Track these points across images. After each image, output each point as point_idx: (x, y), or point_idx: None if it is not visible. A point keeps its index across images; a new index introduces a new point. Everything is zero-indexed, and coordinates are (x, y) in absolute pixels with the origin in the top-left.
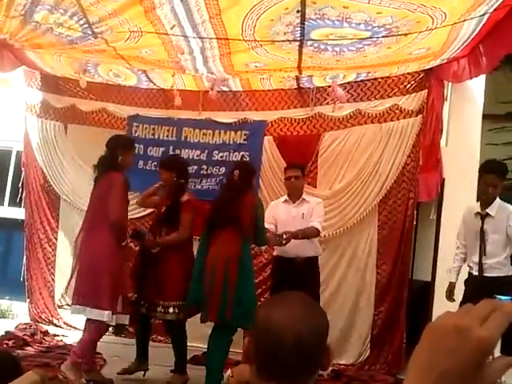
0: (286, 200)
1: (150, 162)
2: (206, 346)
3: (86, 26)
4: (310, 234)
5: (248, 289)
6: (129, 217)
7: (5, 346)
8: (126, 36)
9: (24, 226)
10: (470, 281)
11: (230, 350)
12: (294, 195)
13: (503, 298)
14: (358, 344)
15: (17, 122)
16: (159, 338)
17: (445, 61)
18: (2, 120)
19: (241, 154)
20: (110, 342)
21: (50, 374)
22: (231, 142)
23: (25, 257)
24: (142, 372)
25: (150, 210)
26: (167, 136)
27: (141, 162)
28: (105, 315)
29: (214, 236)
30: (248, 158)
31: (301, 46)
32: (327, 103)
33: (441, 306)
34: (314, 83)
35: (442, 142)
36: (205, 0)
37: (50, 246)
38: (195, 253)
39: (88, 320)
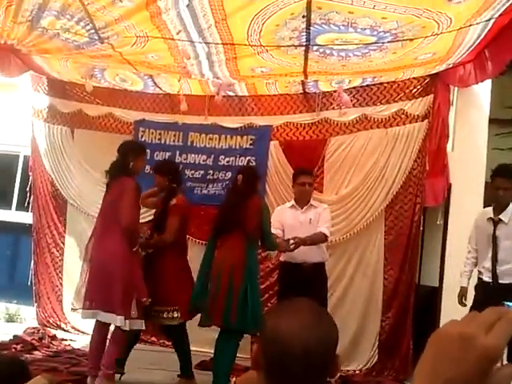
0: (293, 205)
1: None
2: (213, 352)
3: (93, 31)
4: (318, 239)
5: (253, 294)
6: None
7: (13, 350)
8: (132, 41)
9: (31, 230)
10: (481, 286)
11: (238, 355)
12: (303, 201)
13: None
14: (366, 350)
15: (24, 127)
16: (165, 343)
17: (450, 65)
18: (10, 125)
19: (247, 158)
20: None
21: (57, 379)
22: (237, 147)
23: (32, 261)
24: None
25: None
26: (173, 141)
27: (147, 167)
28: (117, 320)
29: (220, 241)
30: (254, 163)
31: (306, 51)
32: (333, 108)
33: (448, 312)
34: (320, 88)
35: (449, 146)
36: (211, 5)
37: (58, 251)
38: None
39: (100, 326)
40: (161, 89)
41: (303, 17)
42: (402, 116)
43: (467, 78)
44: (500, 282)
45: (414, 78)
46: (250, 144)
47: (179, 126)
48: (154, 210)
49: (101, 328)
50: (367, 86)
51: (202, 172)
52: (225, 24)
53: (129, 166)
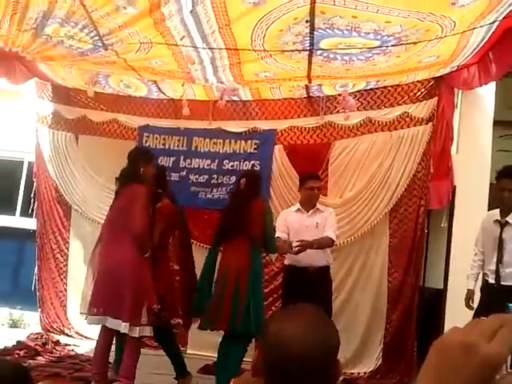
0: (298, 209)
1: None
2: (216, 356)
3: (97, 38)
4: (324, 244)
5: (257, 298)
6: None
7: (16, 355)
8: (136, 47)
9: (36, 236)
10: (486, 288)
11: (244, 359)
12: (309, 205)
13: None
14: (370, 353)
15: (28, 133)
16: None
17: (455, 68)
18: (14, 131)
19: (251, 163)
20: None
21: None
22: (241, 152)
23: (36, 267)
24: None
25: None
26: (178, 146)
27: None
28: (122, 326)
29: (224, 245)
30: (258, 167)
31: (310, 56)
32: (337, 112)
33: (453, 314)
34: (324, 92)
35: (453, 149)
36: (214, 11)
37: (62, 256)
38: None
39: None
40: (165, 94)
41: (307, 21)
42: (407, 119)
43: (471, 80)
44: (503, 283)
45: (418, 81)
46: (255, 148)
47: (183, 130)
48: None
49: (106, 334)
50: (371, 89)
51: (206, 176)
52: (228, 29)
53: (139, 173)
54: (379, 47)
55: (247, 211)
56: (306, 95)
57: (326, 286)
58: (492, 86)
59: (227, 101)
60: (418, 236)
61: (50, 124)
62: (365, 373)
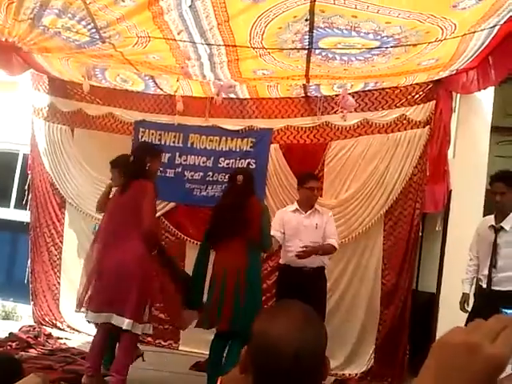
0: (296, 209)
1: None
2: (208, 353)
3: (94, 30)
4: (328, 250)
5: (257, 298)
6: None
7: (8, 347)
8: (133, 41)
9: (29, 228)
10: (479, 293)
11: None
12: (308, 205)
13: (509, 311)
14: (362, 355)
15: (24, 126)
16: (162, 343)
17: (454, 72)
18: (9, 123)
19: (247, 161)
20: None
21: (50, 377)
22: (237, 150)
23: (29, 259)
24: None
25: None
26: (173, 142)
27: None
28: (125, 323)
29: (219, 243)
30: (254, 166)
31: (309, 55)
32: (335, 112)
33: (446, 318)
34: (322, 92)
35: (450, 153)
36: (213, 6)
37: (56, 250)
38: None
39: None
40: (162, 90)
41: (306, 20)
42: (404, 122)
43: (470, 84)
44: (494, 288)
45: (416, 83)
46: (251, 147)
47: (180, 127)
48: None
49: (105, 330)
50: (369, 90)
51: (201, 174)
52: (227, 26)
53: (146, 169)
54: (378, 48)
55: (245, 209)
56: (303, 95)
57: (320, 287)
58: (490, 92)
59: (224, 98)
60: (412, 239)
61: (46, 116)
62: (356, 374)
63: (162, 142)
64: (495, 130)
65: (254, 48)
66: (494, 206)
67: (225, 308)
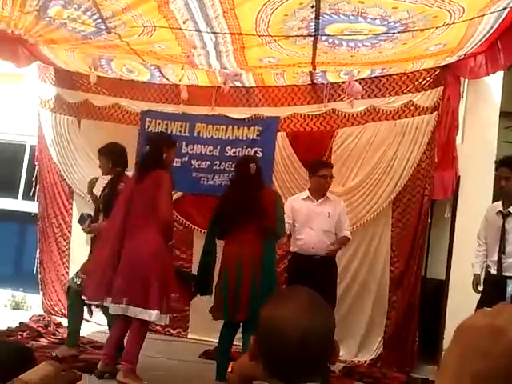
0: (308, 197)
1: None
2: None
3: (100, 20)
4: (346, 243)
5: (273, 285)
6: None
7: (19, 337)
8: (139, 31)
9: (37, 219)
10: (488, 279)
11: None
12: (320, 193)
13: None
14: (371, 341)
15: (31, 117)
16: (171, 332)
17: (461, 57)
18: (16, 115)
19: (254, 149)
20: None
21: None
22: (244, 138)
23: (38, 250)
24: None
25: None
26: (180, 131)
27: None
28: (153, 315)
29: (231, 233)
30: (261, 154)
31: (315, 42)
32: (341, 99)
33: (455, 305)
34: (328, 79)
35: (458, 139)
36: None
37: (65, 240)
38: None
39: (134, 320)
40: (168, 79)
41: (312, 7)
42: (411, 108)
43: (478, 69)
44: (505, 274)
45: (423, 69)
46: (257, 135)
47: (186, 116)
48: None
49: (126, 323)
50: (376, 77)
51: (208, 163)
52: (233, 14)
53: (163, 159)
54: (385, 33)
55: (260, 198)
56: (309, 82)
57: (330, 275)
58: (499, 76)
59: (230, 87)
60: (420, 226)
61: (53, 108)
62: (365, 361)
63: (169, 132)
64: (504, 115)
65: (259, 36)
66: (499, 191)
67: (242, 299)
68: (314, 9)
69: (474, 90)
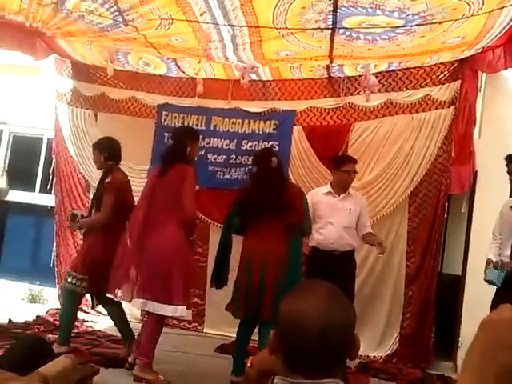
0: (329, 191)
1: None
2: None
3: (117, 13)
4: None
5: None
6: None
7: (36, 330)
8: (156, 24)
9: (54, 212)
10: None
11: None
12: (342, 188)
13: None
14: (387, 337)
15: (48, 110)
16: (187, 326)
17: (479, 50)
18: (33, 108)
19: (270, 143)
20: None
21: (80, 359)
22: (260, 132)
23: (55, 243)
24: None
25: None
26: (196, 125)
27: None
28: (178, 310)
29: (253, 229)
30: (277, 148)
31: (332, 35)
32: (358, 93)
33: (471, 300)
34: (345, 72)
35: (475, 133)
36: None
37: (81, 233)
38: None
39: (151, 314)
40: (184, 73)
41: None
42: (428, 102)
43: (496, 63)
44: None
45: (441, 63)
46: (274, 129)
47: (202, 110)
48: None
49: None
50: (393, 70)
51: (224, 156)
52: (250, 6)
53: (186, 153)
54: (403, 26)
55: (287, 193)
56: (326, 75)
57: (348, 271)
58: None
59: (248, 80)
60: (437, 221)
61: (70, 101)
62: (381, 356)
63: (185, 125)
64: None
65: (277, 28)
66: (511, 186)
67: (266, 297)
68: (332, 1)
69: (492, 84)
